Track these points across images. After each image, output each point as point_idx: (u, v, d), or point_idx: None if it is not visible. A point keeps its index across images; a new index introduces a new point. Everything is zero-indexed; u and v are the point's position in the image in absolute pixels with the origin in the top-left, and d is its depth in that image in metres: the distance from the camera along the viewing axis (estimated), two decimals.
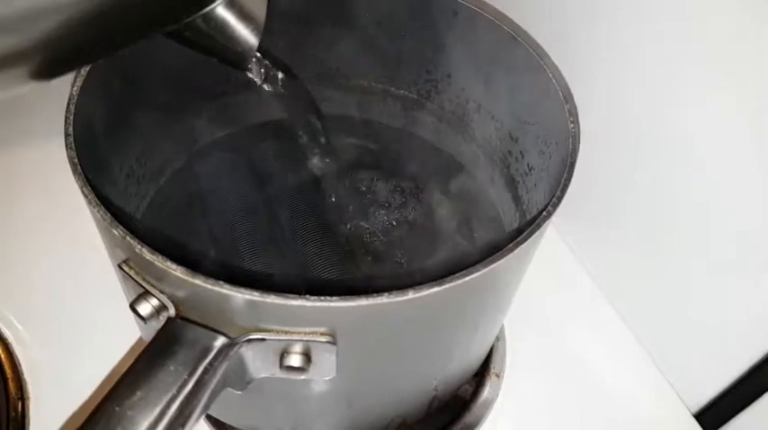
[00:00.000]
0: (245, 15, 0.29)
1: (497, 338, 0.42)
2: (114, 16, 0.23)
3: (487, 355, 0.41)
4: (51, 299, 0.44)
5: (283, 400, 0.30)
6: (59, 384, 0.40)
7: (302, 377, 0.25)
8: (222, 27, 0.29)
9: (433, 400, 0.35)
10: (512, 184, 0.40)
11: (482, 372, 0.41)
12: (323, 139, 0.39)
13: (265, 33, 0.41)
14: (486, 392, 0.40)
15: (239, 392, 0.26)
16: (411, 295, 0.23)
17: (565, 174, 0.29)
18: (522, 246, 0.25)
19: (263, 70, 0.34)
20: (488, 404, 0.40)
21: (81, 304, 0.43)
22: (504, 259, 0.25)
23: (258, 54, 0.33)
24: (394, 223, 0.43)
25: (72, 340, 0.42)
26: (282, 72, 0.35)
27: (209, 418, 0.38)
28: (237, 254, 0.38)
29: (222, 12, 0.28)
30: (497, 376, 0.41)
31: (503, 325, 0.43)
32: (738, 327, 0.38)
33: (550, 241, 0.50)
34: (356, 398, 0.30)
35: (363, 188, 0.43)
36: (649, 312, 0.44)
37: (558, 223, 0.50)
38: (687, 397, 0.42)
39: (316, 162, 0.41)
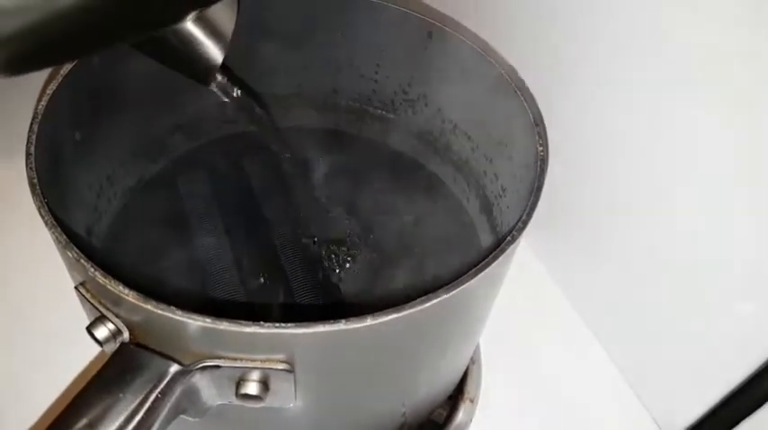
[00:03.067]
0: (212, 32, 0.29)
1: (472, 362, 0.42)
2: (84, 22, 0.23)
3: (462, 378, 0.41)
4: (13, 313, 0.43)
5: (241, 428, 0.29)
6: (21, 398, 0.39)
7: (259, 405, 0.25)
8: (190, 42, 0.29)
9: (402, 427, 0.34)
10: (487, 206, 0.40)
11: (456, 396, 0.40)
12: (285, 154, 0.39)
13: (240, 49, 0.41)
14: (459, 417, 0.40)
15: (195, 419, 0.26)
16: (369, 322, 0.23)
17: (532, 198, 0.28)
18: (485, 271, 0.25)
19: (225, 85, 0.34)
20: (461, 429, 0.39)
21: (44, 319, 0.43)
22: (465, 285, 0.24)
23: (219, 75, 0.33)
24: (369, 243, 0.43)
25: (30, 357, 0.41)
26: (241, 89, 0.35)
27: None
28: (208, 275, 0.38)
29: (191, 27, 0.29)
30: (471, 401, 0.40)
31: (479, 348, 0.43)
32: (716, 352, 0.38)
33: (531, 264, 0.50)
34: (318, 426, 0.30)
35: (337, 206, 0.43)
36: (627, 336, 0.44)
37: (536, 245, 0.50)
38: (663, 422, 0.42)
39: (285, 178, 0.40)
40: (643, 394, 0.43)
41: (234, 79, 0.34)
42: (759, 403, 0.35)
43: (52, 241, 0.26)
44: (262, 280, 0.38)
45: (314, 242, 0.42)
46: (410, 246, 0.42)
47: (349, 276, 0.42)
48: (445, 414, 0.40)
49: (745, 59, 0.31)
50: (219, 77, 0.33)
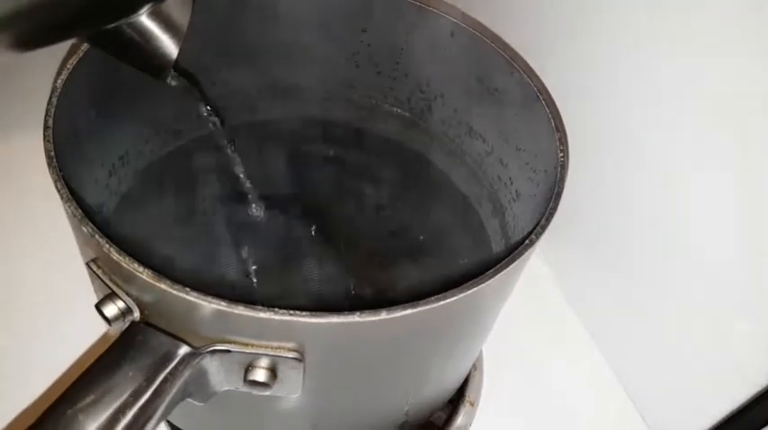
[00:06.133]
0: (167, 26, 0.29)
1: (474, 367, 0.41)
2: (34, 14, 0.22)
3: (463, 383, 0.40)
4: (18, 291, 0.43)
5: (246, 416, 0.29)
6: (20, 378, 0.39)
7: (266, 393, 0.25)
8: (145, 36, 0.28)
9: (404, 426, 0.34)
10: (499, 210, 0.40)
11: (456, 400, 0.40)
12: (229, 149, 0.38)
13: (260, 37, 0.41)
14: (459, 420, 0.39)
15: (200, 404, 0.25)
16: (384, 316, 0.23)
17: (551, 203, 0.28)
18: (501, 274, 0.25)
19: (179, 81, 0.33)
20: None
21: (49, 298, 0.43)
22: (481, 286, 0.24)
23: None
24: (377, 241, 0.43)
25: (38, 332, 0.41)
26: (190, 82, 0.34)
27: (171, 427, 0.37)
28: (214, 264, 0.38)
29: (146, 21, 0.28)
30: (471, 404, 0.40)
31: (481, 354, 0.43)
32: (720, 373, 0.37)
33: (538, 273, 0.49)
34: (322, 418, 0.29)
35: (345, 201, 0.43)
36: (631, 350, 0.44)
37: (547, 255, 0.50)
38: None
39: (298, 169, 0.40)
40: (643, 408, 0.43)
41: (186, 75, 0.34)
42: (760, 425, 0.35)
43: (60, 217, 0.25)
44: (269, 269, 0.38)
45: (317, 233, 0.42)
46: (420, 246, 0.42)
47: (352, 274, 0.42)
48: (445, 417, 0.39)
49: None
50: (173, 73, 0.32)
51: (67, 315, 0.41)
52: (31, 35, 0.24)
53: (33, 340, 0.41)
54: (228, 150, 0.39)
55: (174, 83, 0.33)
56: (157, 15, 0.28)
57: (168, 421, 0.35)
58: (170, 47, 0.29)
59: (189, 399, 0.25)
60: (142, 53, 0.29)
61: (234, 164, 0.39)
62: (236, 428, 0.31)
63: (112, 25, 0.27)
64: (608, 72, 0.40)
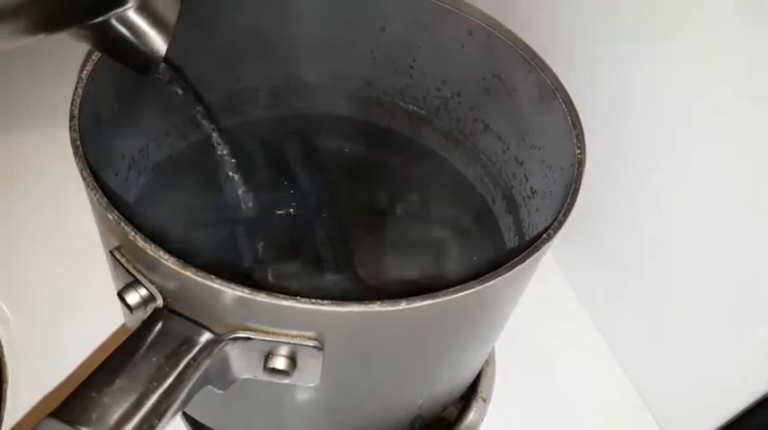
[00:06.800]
0: (156, 21, 0.29)
1: (487, 363, 0.42)
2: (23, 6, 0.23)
3: (475, 379, 0.41)
4: (38, 280, 0.44)
5: (263, 405, 0.29)
6: (40, 366, 0.39)
7: (285, 381, 0.25)
8: (132, 31, 0.29)
9: (417, 419, 0.34)
10: (514, 207, 0.40)
11: (469, 396, 0.40)
12: (226, 153, 0.38)
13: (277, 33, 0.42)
14: (471, 416, 0.40)
15: (219, 392, 0.26)
16: (404, 306, 0.23)
17: (568, 199, 0.28)
18: (520, 267, 0.25)
19: (171, 77, 0.33)
20: (473, 428, 0.39)
21: (68, 288, 0.43)
22: (499, 278, 0.24)
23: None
24: (390, 238, 0.43)
25: (55, 322, 0.42)
26: (184, 81, 0.35)
27: (188, 418, 0.37)
28: (233, 254, 0.38)
29: (133, 16, 0.28)
30: (484, 400, 0.40)
31: (494, 350, 0.43)
32: (733, 375, 0.37)
33: (550, 272, 0.50)
34: (338, 409, 0.30)
35: (360, 198, 0.43)
36: (642, 349, 0.44)
37: (559, 255, 0.50)
38: None
39: (313, 164, 0.40)
40: (654, 406, 0.43)
41: (177, 71, 0.34)
42: None
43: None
44: (283, 261, 0.39)
45: (330, 228, 0.42)
46: (433, 242, 0.42)
47: (365, 268, 0.42)
48: (456, 412, 0.40)
49: None
50: (163, 68, 0.32)
51: (84, 304, 0.42)
52: (18, 27, 0.24)
53: (49, 331, 0.41)
54: (224, 151, 0.39)
55: (165, 78, 0.33)
56: (145, 10, 0.28)
57: (183, 411, 0.35)
58: (158, 42, 0.29)
59: (209, 386, 0.25)
60: (131, 49, 0.29)
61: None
62: (254, 418, 0.31)
63: (101, 19, 0.27)
64: (624, 70, 0.40)
